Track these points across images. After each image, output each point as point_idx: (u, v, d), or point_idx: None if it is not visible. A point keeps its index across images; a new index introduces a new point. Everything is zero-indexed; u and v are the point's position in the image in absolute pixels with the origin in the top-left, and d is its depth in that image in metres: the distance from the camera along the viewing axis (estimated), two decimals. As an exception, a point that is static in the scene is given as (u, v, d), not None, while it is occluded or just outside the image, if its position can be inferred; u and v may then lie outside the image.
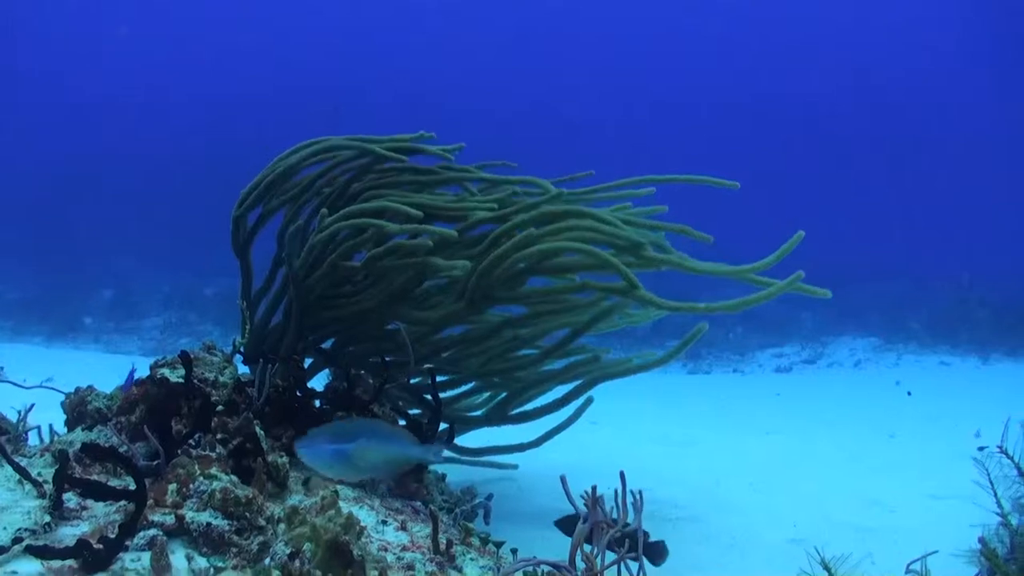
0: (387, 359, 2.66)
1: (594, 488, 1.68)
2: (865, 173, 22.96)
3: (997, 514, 1.73)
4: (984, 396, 6.36)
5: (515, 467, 3.17)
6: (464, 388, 3.13)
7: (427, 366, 2.85)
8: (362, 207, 2.78)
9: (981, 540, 1.57)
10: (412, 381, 3.01)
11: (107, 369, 2.60)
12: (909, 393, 6.27)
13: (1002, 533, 1.75)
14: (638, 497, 1.71)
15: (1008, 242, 15.94)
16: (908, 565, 1.81)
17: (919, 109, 24.21)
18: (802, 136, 24.13)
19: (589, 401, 3.00)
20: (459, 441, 3.06)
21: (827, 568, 1.48)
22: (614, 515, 1.74)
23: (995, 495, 1.71)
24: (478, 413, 3.11)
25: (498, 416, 3.03)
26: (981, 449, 3.61)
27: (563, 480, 1.71)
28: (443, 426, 2.66)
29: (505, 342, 2.93)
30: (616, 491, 1.72)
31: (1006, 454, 1.72)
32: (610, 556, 1.72)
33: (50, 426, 2.46)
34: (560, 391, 2.99)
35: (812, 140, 24.12)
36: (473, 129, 3.20)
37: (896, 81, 25.02)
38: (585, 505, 1.65)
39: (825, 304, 10.98)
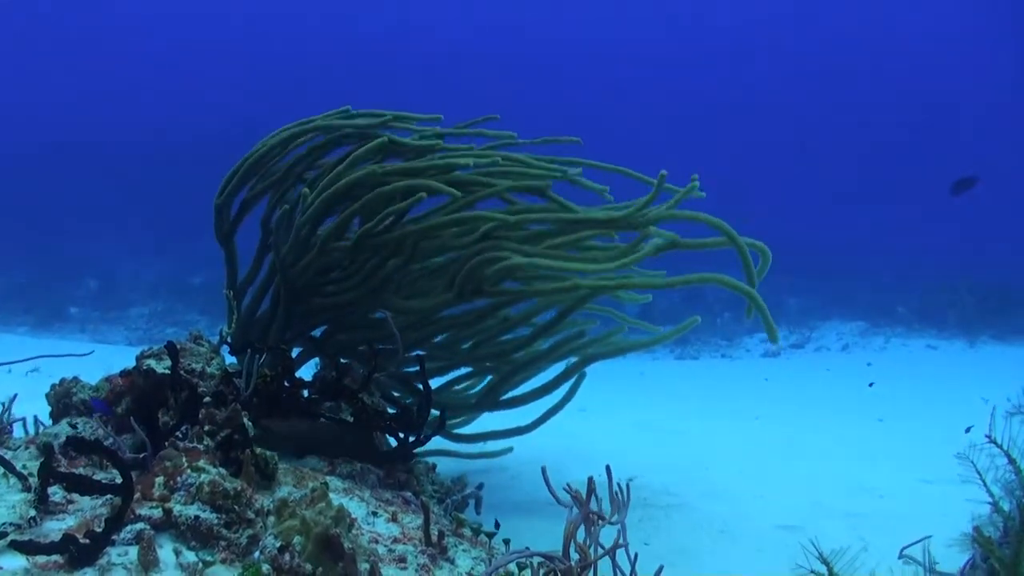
0: (377, 347, 2.64)
1: (590, 479, 1.67)
2: (857, 161, 23.06)
3: (988, 503, 1.72)
4: (972, 379, 6.39)
5: (510, 450, 3.17)
6: (455, 374, 3.11)
7: (417, 353, 2.83)
8: (339, 171, 2.76)
9: (976, 529, 1.56)
10: (404, 370, 2.99)
11: (93, 359, 2.57)
12: (871, 384, 6.22)
13: (996, 518, 1.74)
14: (624, 489, 1.69)
15: (995, 228, 16.05)
16: (902, 550, 1.81)
17: (910, 107, 24.36)
18: (798, 128, 24.25)
19: (582, 377, 3.00)
20: (455, 430, 3.06)
21: (825, 563, 1.45)
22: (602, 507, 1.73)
23: (984, 484, 1.70)
24: (471, 401, 3.10)
25: (490, 401, 3.02)
26: (968, 431, 3.64)
27: (543, 471, 1.69)
28: (434, 413, 2.64)
29: (497, 323, 2.92)
30: (591, 479, 1.71)
31: (995, 443, 1.71)
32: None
33: (35, 417, 2.43)
34: (550, 373, 2.98)
35: (808, 132, 24.24)
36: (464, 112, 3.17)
37: (887, 76, 25.16)
38: (573, 499, 1.64)
39: (812, 289, 11.03)
